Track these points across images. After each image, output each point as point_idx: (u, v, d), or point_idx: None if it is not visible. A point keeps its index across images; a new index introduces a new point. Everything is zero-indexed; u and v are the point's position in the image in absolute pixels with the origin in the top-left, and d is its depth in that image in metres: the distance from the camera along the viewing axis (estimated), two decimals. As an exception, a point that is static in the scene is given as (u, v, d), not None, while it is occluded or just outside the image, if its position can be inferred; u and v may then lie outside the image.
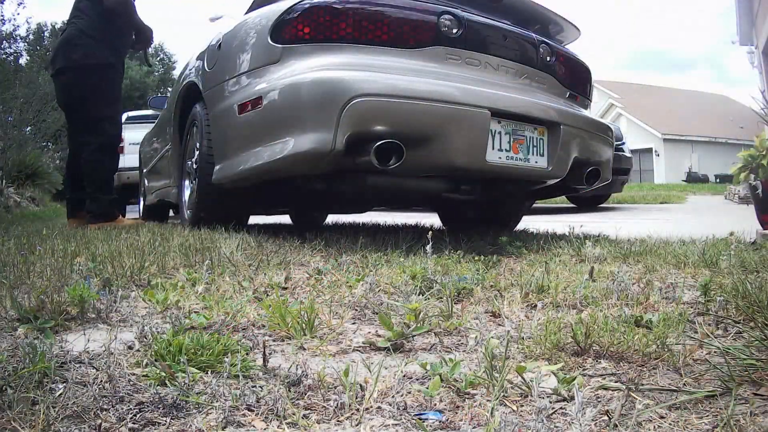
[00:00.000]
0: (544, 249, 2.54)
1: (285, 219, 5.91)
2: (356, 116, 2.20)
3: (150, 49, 4.58)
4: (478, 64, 2.59)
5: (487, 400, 0.84)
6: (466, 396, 0.87)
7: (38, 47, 22.61)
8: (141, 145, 6.06)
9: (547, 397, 0.87)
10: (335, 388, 0.89)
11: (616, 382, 0.92)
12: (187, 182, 3.39)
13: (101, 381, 0.86)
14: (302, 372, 0.92)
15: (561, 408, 0.82)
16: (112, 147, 3.84)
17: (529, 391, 0.87)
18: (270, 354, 1.02)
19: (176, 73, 28.80)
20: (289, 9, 2.41)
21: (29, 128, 11.03)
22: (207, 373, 0.93)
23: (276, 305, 1.22)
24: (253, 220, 4.11)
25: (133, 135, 7.98)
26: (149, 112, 7.65)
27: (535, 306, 1.45)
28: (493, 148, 2.48)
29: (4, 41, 9.77)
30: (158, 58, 34.71)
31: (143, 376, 0.90)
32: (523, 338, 1.13)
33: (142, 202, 5.90)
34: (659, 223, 5.32)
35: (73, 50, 3.68)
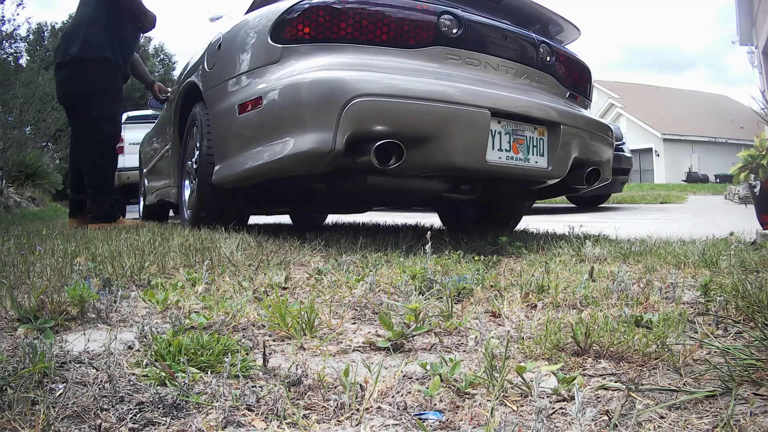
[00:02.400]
0: (544, 249, 2.54)
1: (285, 219, 5.91)
2: (356, 116, 2.20)
3: (149, 47, 4.53)
4: (478, 64, 2.59)
5: (487, 400, 0.84)
6: (466, 396, 0.87)
7: (38, 47, 22.62)
8: (141, 145, 6.05)
9: (547, 397, 0.87)
10: (335, 388, 0.89)
11: (616, 382, 0.92)
12: (187, 182, 3.39)
13: (101, 381, 0.86)
14: (302, 372, 0.92)
15: (561, 408, 0.82)
16: (110, 147, 3.75)
17: (529, 391, 0.87)
18: (270, 354, 1.02)
19: (176, 73, 28.80)
20: (289, 9, 2.41)
21: (29, 128, 11.02)
22: (207, 373, 0.93)
23: (276, 305, 1.22)
24: (253, 220, 4.11)
25: (133, 135, 7.97)
26: (149, 112, 7.65)
27: (535, 306, 1.45)
28: (493, 148, 2.48)
29: (4, 41, 9.76)
30: (158, 59, 34.70)
31: (143, 376, 0.90)
32: (523, 338, 1.13)
33: (142, 202, 5.90)
34: (659, 223, 5.32)
35: (71, 43, 3.59)
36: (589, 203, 9.02)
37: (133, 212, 8.39)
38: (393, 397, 0.85)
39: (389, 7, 2.42)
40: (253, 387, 0.88)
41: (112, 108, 3.76)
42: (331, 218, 5.70)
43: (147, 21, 3.92)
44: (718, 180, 22.56)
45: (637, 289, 1.61)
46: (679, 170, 27.89)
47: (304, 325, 1.18)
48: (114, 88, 3.76)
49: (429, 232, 1.81)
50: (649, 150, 29.85)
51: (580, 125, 2.86)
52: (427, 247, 1.69)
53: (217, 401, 0.81)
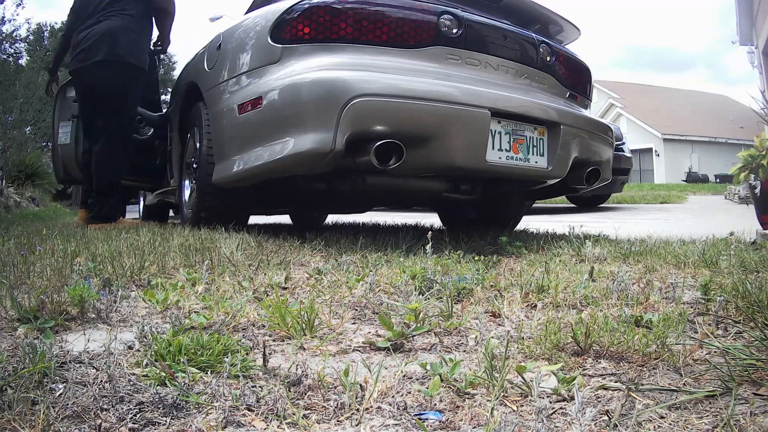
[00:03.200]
0: (544, 249, 2.54)
1: (285, 219, 5.91)
2: (356, 116, 2.20)
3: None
4: (478, 64, 2.59)
5: (487, 400, 0.84)
6: (466, 396, 0.87)
7: (38, 47, 22.60)
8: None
9: (547, 397, 0.87)
10: (335, 388, 0.89)
11: (616, 382, 0.92)
12: (187, 182, 3.39)
13: (101, 381, 0.86)
14: (302, 372, 0.92)
15: (561, 408, 0.82)
16: (125, 147, 3.74)
17: (529, 391, 0.87)
18: (270, 354, 1.02)
19: (176, 73, 28.76)
20: (289, 9, 2.41)
21: (29, 128, 11.02)
22: (207, 373, 0.93)
23: (276, 305, 1.22)
24: (253, 220, 4.11)
25: None
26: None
27: (535, 306, 1.45)
28: (493, 148, 2.48)
29: (4, 42, 9.76)
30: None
31: (143, 376, 0.90)
32: (523, 338, 1.13)
33: (142, 202, 5.90)
34: (659, 223, 5.32)
35: (119, 45, 3.54)
36: (589, 203, 9.01)
37: (133, 212, 8.39)
38: (393, 397, 0.85)
39: (389, 7, 2.42)
40: (253, 387, 0.88)
41: (135, 111, 3.82)
42: (331, 218, 5.70)
43: (165, 44, 4.06)
44: (718, 180, 22.56)
45: (637, 289, 1.61)
46: (679, 170, 27.88)
47: (304, 325, 1.18)
48: (140, 93, 3.83)
49: (430, 232, 1.81)
50: (649, 150, 29.84)
51: (580, 125, 2.86)
52: (428, 247, 1.69)
53: (217, 401, 0.81)
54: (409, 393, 0.88)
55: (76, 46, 3.66)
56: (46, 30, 28.17)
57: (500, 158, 2.51)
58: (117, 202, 3.89)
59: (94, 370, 0.91)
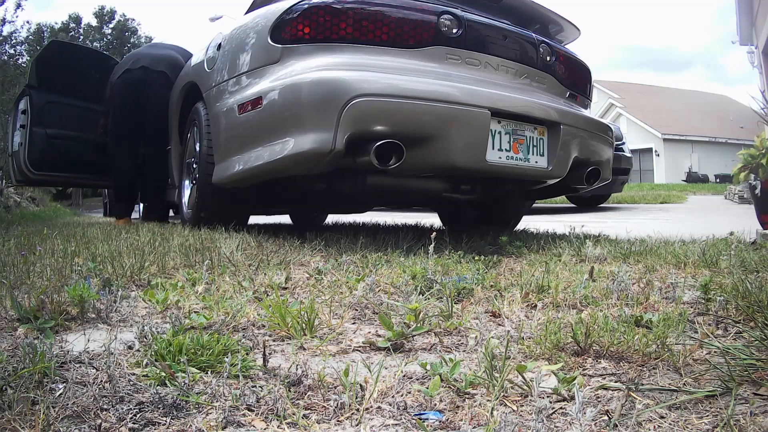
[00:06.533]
0: (544, 249, 2.54)
1: (285, 219, 5.91)
2: (356, 116, 2.20)
3: None
4: (478, 64, 2.59)
5: (487, 400, 0.84)
6: (466, 396, 0.87)
7: (38, 47, 22.61)
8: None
9: (547, 397, 0.87)
10: (335, 388, 0.89)
11: (616, 382, 0.92)
12: (187, 182, 3.39)
13: (101, 381, 0.86)
14: (302, 372, 0.92)
15: (561, 408, 0.82)
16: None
17: (529, 390, 0.87)
18: (270, 354, 1.02)
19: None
20: (289, 9, 2.41)
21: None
22: (207, 373, 0.93)
23: (276, 305, 1.21)
24: (253, 220, 4.12)
25: None
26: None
27: (535, 306, 1.45)
28: (493, 148, 2.48)
29: (4, 43, 9.76)
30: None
31: (143, 376, 0.90)
32: (523, 338, 1.13)
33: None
34: (659, 223, 5.32)
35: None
36: (589, 203, 9.01)
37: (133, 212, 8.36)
38: (393, 397, 0.85)
39: (389, 7, 2.42)
40: (253, 387, 0.88)
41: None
42: (331, 218, 5.70)
43: None
44: (718, 180, 22.57)
45: (637, 289, 1.61)
46: (679, 170, 27.87)
47: (304, 325, 1.18)
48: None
49: (434, 233, 1.79)
50: (649, 150, 29.83)
51: (580, 125, 2.86)
52: (430, 247, 1.69)
53: (217, 401, 0.81)
54: (409, 393, 0.88)
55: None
56: (46, 30, 28.18)
57: (500, 158, 2.51)
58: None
59: (94, 370, 0.91)
